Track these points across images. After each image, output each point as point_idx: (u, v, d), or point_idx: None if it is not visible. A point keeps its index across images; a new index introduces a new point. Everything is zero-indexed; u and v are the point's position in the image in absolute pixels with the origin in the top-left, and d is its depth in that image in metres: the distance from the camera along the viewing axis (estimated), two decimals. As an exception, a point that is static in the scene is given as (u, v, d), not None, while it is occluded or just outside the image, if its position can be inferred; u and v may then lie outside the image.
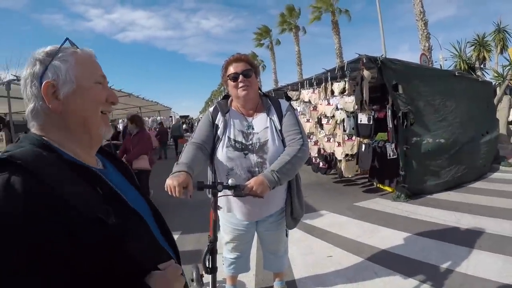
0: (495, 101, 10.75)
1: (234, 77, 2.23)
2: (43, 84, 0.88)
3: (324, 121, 7.94)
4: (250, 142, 2.23)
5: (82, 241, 0.73)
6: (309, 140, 8.46)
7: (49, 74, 0.89)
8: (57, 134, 0.90)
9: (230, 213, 2.41)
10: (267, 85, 40.10)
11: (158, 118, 20.67)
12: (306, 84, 9.02)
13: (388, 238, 4.32)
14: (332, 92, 7.57)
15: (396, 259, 3.74)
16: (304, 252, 4.03)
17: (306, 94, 8.78)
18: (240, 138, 2.24)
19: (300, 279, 3.41)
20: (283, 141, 2.25)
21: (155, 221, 1.08)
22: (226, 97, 2.49)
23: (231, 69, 2.25)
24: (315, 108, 8.26)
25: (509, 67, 12.15)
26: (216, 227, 2.08)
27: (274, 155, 2.18)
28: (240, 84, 2.21)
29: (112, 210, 0.80)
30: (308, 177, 8.36)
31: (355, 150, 7.12)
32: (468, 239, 4.14)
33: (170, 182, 1.79)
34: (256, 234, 2.61)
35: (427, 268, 3.46)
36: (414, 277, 3.29)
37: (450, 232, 4.44)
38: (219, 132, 2.28)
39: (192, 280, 2.36)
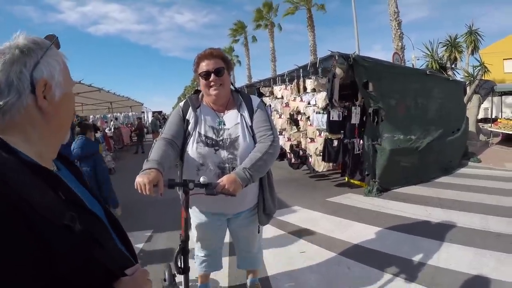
0: (465, 99, 11.02)
1: (206, 75, 2.15)
2: (39, 80, 0.80)
3: (298, 117, 7.93)
4: (221, 138, 2.18)
5: (53, 251, 0.67)
6: (281, 136, 8.51)
7: (43, 70, 0.81)
8: (27, 133, 0.81)
9: (202, 210, 2.34)
10: (240, 81, 40.22)
11: (130, 114, 20.30)
12: (279, 80, 8.99)
13: (361, 233, 4.31)
14: (305, 88, 7.57)
15: (369, 253, 3.72)
16: (277, 248, 3.96)
17: (278, 90, 8.76)
18: (210, 134, 2.18)
19: (273, 275, 3.34)
20: (253, 137, 2.20)
21: (110, 224, 1.02)
22: (198, 91, 2.42)
23: (203, 66, 2.16)
24: (287, 104, 8.23)
25: (479, 67, 12.48)
26: (187, 226, 1.98)
27: (245, 151, 2.14)
28: (212, 83, 2.15)
29: (76, 216, 0.74)
30: (280, 173, 8.30)
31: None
32: (439, 232, 4.18)
33: (140, 180, 1.72)
34: (228, 233, 2.57)
35: (400, 262, 3.45)
36: (387, 270, 3.28)
37: (421, 225, 4.48)
38: (189, 127, 2.21)
39: (165, 280, 2.23)
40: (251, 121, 2.23)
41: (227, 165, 2.14)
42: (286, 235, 4.37)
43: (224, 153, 2.15)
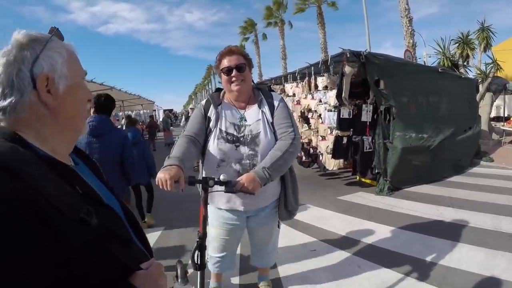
0: (478, 97, 10.89)
1: (228, 71, 2.19)
2: (38, 76, 0.80)
3: (309, 115, 7.93)
4: (242, 134, 2.20)
5: (69, 245, 0.68)
6: None
7: (44, 65, 0.81)
8: (37, 130, 0.82)
9: (221, 207, 2.34)
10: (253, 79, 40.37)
11: (141, 112, 20.43)
12: (290, 78, 8.98)
13: (372, 232, 4.32)
14: (316, 86, 7.56)
15: (380, 252, 3.73)
16: (288, 246, 3.98)
17: (289, 88, 8.76)
18: (231, 130, 2.21)
19: (284, 272, 3.37)
20: (274, 133, 2.23)
21: (127, 219, 1.03)
22: (219, 89, 2.46)
23: (225, 62, 2.21)
24: (298, 102, 8.23)
25: (492, 65, 12.30)
26: (205, 223, 2.01)
27: (265, 147, 2.16)
28: (234, 79, 2.19)
29: (93, 210, 0.75)
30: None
31: (332, 144, 7.12)
32: (450, 232, 4.17)
33: (162, 176, 1.75)
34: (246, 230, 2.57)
35: (411, 261, 3.46)
36: (398, 270, 3.28)
37: (433, 225, 4.47)
38: (211, 124, 2.25)
39: (177, 277, 2.26)
40: (272, 118, 2.25)
41: (247, 161, 2.16)
42: (297, 233, 4.39)
43: (245, 149, 2.17)
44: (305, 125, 8.30)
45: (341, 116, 6.52)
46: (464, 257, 3.50)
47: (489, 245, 3.74)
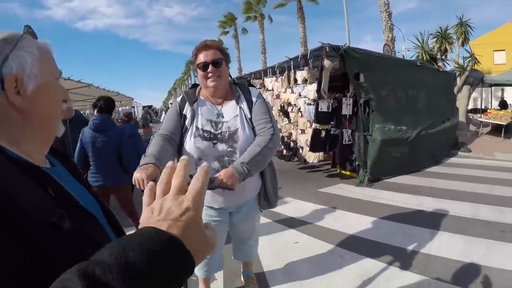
0: (455, 90, 11.09)
1: (204, 67, 2.11)
2: (6, 77, 0.75)
3: (289, 109, 7.93)
4: (220, 131, 2.13)
5: (40, 252, 0.62)
6: None
7: (13, 65, 0.76)
8: (8, 132, 0.77)
9: (204, 205, 2.27)
10: (230, 73, 40.26)
11: (120, 109, 20.09)
12: (269, 72, 8.97)
13: (353, 223, 4.33)
14: (295, 80, 7.55)
15: (362, 242, 3.75)
16: (270, 239, 3.96)
17: (269, 82, 8.74)
18: (208, 127, 2.14)
19: (267, 266, 3.35)
20: (253, 129, 2.17)
21: (108, 222, 0.98)
22: (195, 85, 2.38)
23: (201, 58, 2.12)
24: (278, 96, 8.21)
25: (470, 59, 12.55)
26: None
27: (244, 143, 2.10)
28: (210, 75, 2.11)
29: (66, 213, 0.70)
30: (272, 165, 8.35)
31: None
32: (430, 221, 4.22)
33: (138, 175, 1.69)
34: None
35: (392, 250, 3.48)
36: (380, 259, 3.30)
37: (413, 215, 4.52)
38: (186, 122, 2.17)
39: None
40: (250, 113, 2.19)
41: (226, 158, 2.10)
42: (279, 226, 4.37)
43: (223, 146, 2.11)
44: (285, 119, 8.30)
45: (319, 110, 6.53)
46: (444, 245, 3.54)
47: (468, 232, 3.80)
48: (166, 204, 0.58)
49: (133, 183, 1.70)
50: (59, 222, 0.68)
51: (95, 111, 3.87)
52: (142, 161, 1.83)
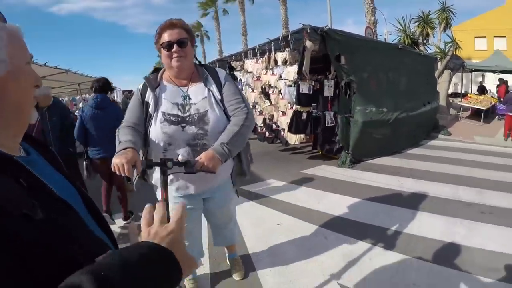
0: (436, 74, 11.21)
1: (168, 46, 2.00)
2: None
3: (270, 90, 7.85)
4: (188, 113, 2.04)
5: (11, 245, 0.59)
6: (254, 110, 8.45)
7: None
8: None
9: (176, 195, 2.22)
10: (211, 56, 39.32)
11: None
12: (250, 54, 8.85)
13: (336, 203, 4.34)
14: (276, 62, 7.44)
15: (345, 223, 3.76)
16: (254, 222, 3.93)
17: (249, 64, 8.63)
18: (175, 111, 2.04)
19: (252, 248, 3.32)
20: (224, 111, 2.10)
21: (88, 210, 0.94)
22: (156, 70, 2.27)
23: (166, 37, 2.01)
24: (258, 78, 8.12)
25: (451, 44, 12.68)
26: (168, 206, 1.87)
27: (215, 125, 2.03)
28: (174, 55, 2.00)
29: (38, 204, 0.66)
30: (254, 147, 8.21)
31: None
32: (411, 202, 4.28)
33: (118, 161, 1.62)
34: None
35: (375, 230, 3.51)
36: (363, 239, 3.32)
37: (394, 195, 4.57)
38: (150, 109, 2.06)
39: None
40: (221, 95, 2.12)
41: (196, 141, 2.03)
42: (263, 208, 4.36)
43: (193, 129, 2.02)
44: (267, 101, 8.20)
45: (300, 91, 6.49)
46: (425, 225, 3.59)
47: (449, 213, 3.86)
48: (153, 230, 0.74)
49: (113, 169, 1.64)
50: (30, 213, 0.64)
51: (93, 91, 4.30)
52: (119, 147, 1.77)
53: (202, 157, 1.82)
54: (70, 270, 0.66)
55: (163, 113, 2.03)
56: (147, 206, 0.82)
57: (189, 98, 2.08)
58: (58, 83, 12.68)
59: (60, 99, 17.45)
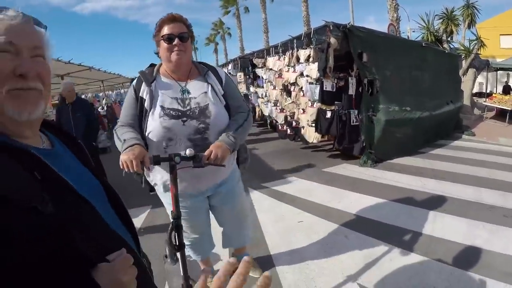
0: (461, 73, 11.00)
1: (169, 39, 1.99)
2: None
3: (291, 88, 7.85)
4: (188, 107, 2.02)
5: (17, 236, 0.60)
6: (275, 107, 8.61)
7: None
8: None
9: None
10: (233, 53, 39.47)
11: (122, 91, 19.88)
12: (272, 51, 8.87)
13: (357, 203, 4.36)
14: (298, 59, 7.44)
15: (365, 222, 3.78)
16: (274, 219, 3.99)
17: (271, 61, 8.64)
18: (175, 105, 2.02)
19: (272, 245, 3.38)
20: (225, 106, 2.12)
21: (112, 206, 0.95)
22: (152, 65, 2.25)
23: (166, 30, 2.01)
24: (280, 75, 8.14)
25: (476, 41, 12.41)
26: (178, 201, 1.91)
27: (217, 118, 2.04)
28: (175, 48, 2.00)
29: (49, 197, 0.67)
30: (276, 145, 8.42)
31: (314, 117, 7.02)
32: (433, 203, 4.25)
33: (126, 157, 1.67)
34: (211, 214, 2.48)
35: (395, 231, 3.52)
36: (383, 239, 3.33)
37: (416, 196, 4.53)
38: (146, 104, 2.03)
39: (166, 256, 2.19)
40: (222, 90, 2.15)
41: (198, 135, 2.01)
42: (283, 206, 4.41)
43: (194, 123, 2.00)
44: (288, 98, 8.19)
45: (324, 89, 6.48)
46: (446, 227, 3.57)
47: (471, 216, 3.82)
48: None
49: (121, 166, 1.68)
50: (39, 206, 0.65)
51: None
52: (124, 145, 1.80)
53: (211, 148, 1.87)
54: (78, 264, 0.68)
55: (162, 107, 2.00)
56: (231, 261, 0.60)
57: (188, 93, 2.07)
58: (82, 80, 12.93)
59: (84, 95, 17.88)
